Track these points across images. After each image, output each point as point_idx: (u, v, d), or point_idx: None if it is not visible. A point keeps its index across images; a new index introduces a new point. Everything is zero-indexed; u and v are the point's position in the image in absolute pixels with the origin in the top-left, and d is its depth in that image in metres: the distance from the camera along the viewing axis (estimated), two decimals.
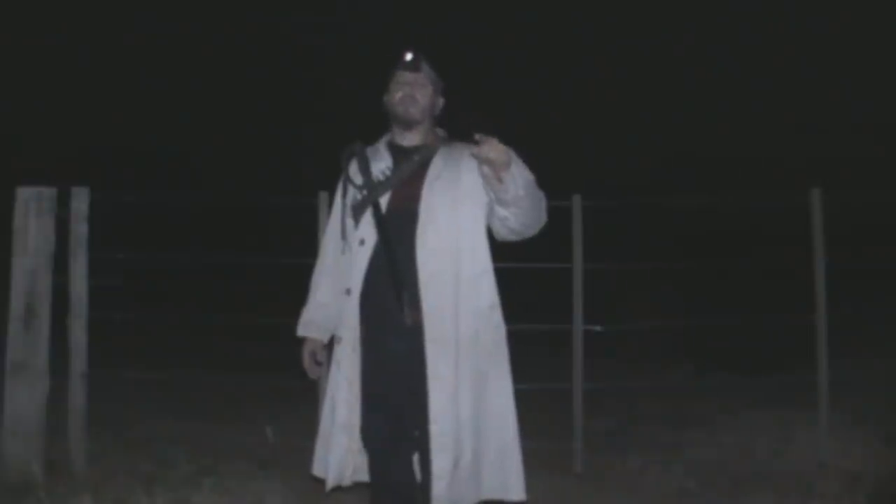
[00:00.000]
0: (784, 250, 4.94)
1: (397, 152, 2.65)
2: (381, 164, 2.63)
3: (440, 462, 2.47)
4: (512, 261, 2.96)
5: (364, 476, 2.61)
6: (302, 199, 3.97)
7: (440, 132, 2.72)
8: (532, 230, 2.58)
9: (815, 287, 4.04)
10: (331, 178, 2.84)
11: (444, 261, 2.52)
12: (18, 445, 3.52)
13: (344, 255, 2.65)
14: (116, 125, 15.13)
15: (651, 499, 3.66)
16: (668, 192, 11.60)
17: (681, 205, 10.15)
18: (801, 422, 4.27)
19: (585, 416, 4.01)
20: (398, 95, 2.62)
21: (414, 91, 2.61)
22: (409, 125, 2.63)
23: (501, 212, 2.50)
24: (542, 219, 2.59)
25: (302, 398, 4.11)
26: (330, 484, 2.59)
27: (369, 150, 2.69)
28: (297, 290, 2.98)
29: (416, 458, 2.57)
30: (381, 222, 2.55)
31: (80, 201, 3.75)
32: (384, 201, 2.58)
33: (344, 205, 2.66)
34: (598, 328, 4.10)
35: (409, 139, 2.65)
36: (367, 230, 2.57)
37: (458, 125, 2.73)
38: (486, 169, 2.42)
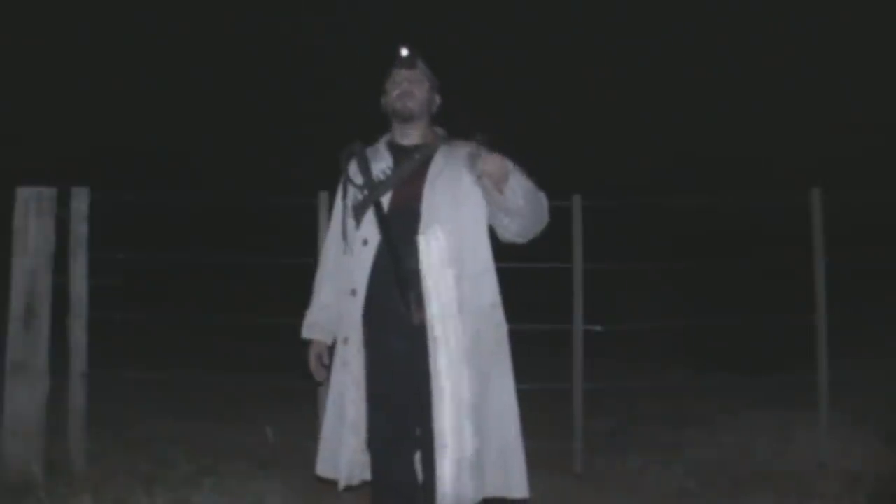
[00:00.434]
0: (784, 250, 4.94)
1: (397, 151, 2.65)
2: (382, 163, 2.63)
3: (443, 460, 2.47)
4: (512, 260, 2.96)
5: (369, 475, 2.62)
6: (302, 199, 3.97)
7: (439, 131, 2.72)
8: (534, 232, 2.61)
9: (815, 287, 4.04)
10: (331, 178, 2.83)
11: (447, 260, 2.52)
12: (18, 445, 3.51)
13: (346, 256, 2.65)
14: (116, 125, 15.14)
15: (651, 499, 3.66)
16: (668, 192, 11.61)
17: (681, 205, 10.15)
18: (801, 422, 4.27)
19: (585, 416, 4.01)
20: (396, 92, 2.63)
21: (411, 87, 2.62)
22: (408, 119, 2.63)
23: (503, 219, 2.53)
24: (545, 220, 2.61)
25: (302, 398, 4.10)
26: (343, 484, 2.59)
27: (369, 151, 2.68)
28: (297, 290, 2.98)
29: (417, 457, 2.58)
30: (383, 221, 2.55)
31: (80, 201, 3.74)
32: (386, 200, 2.58)
33: (344, 205, 2.66)
34: (598, 328, 4.10)
35: (409, 138, 2.66)
36: (369, 230, 2.57)
37: (457, 125, 2.73)
38: (485, 181, 2.43)
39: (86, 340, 3.77)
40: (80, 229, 3.74)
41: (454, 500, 2.47)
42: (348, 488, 2.62)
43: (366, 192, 2.59)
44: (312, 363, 2.71)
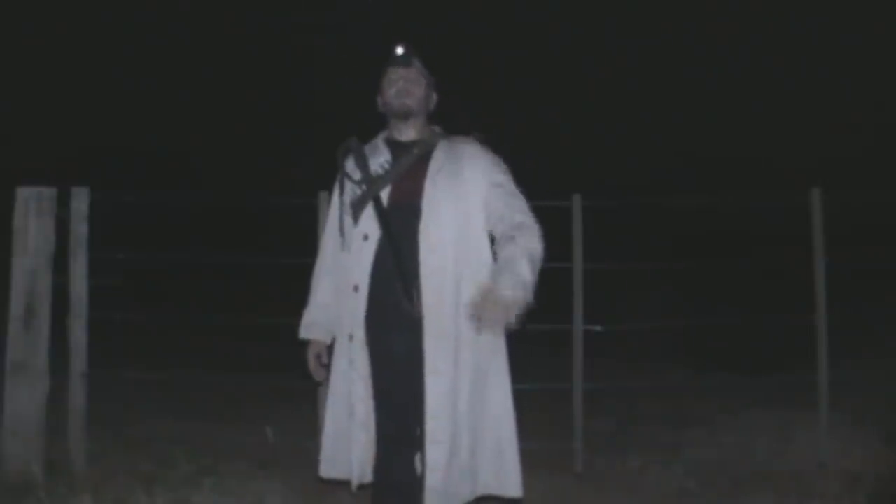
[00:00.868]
0: (784, 250, 4.94)
1: (395, 146, 2.64)
2: (380, 158, 2.62)
3: (434, 455, 2.46)
4: None
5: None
6: (302, 199, 3.97)
7: (437, 129, 2.72)
8: None
9: (815, 287, 4.04)
10: (330, 178, 2.83)
11: (447, 256, 2.52)
12: (18, 445, 3.51)
13: (343, 253, 2.63)
14: (116, 125, 15.14)
15: (651, 499, 3.66)
16: (668, 192, 11.60)
17: (681, 205, 10.16)
18: (801, 422, 4.27)
19: (585, 416, 4.01)
20: (392, 90, 2.62)
21: (408, 85, 2.61)
22: (405, 116, 2.63)
23: None
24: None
25: (302, 398, 4.10)
26: (356, 483, 2.57)
27: (366, 147, 2.67)
28: (297, 290, 2.97)
29: (418, 457, 2.55)
30: (383, 216, 2.54)
31: (80, 201, 3.74)
32: (385, 196, 2.57)
33: (342, 202, 2.64)
34: (598, 328, 4.10)
35: (407, 134, 2.65)
36: (369, 225, 2.55)
37: (455, 124, 2.73)
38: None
39: (86, 340, 3.76)
40: (80, 229, 3.74)
41: (443, 497, 2.46)
42: (360, 487, 2.60)
43: (364, 187, 2.57)
44: (311, 363, 2.69)
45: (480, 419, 2.54)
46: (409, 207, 2.53)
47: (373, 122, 2.76)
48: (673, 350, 6.39)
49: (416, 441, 2.52)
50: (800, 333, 4.21)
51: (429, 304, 2.49)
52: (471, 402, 2.52)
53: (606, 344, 4.40)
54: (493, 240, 2.60)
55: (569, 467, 3.93)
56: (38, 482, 3.41)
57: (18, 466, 3.48)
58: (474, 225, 2.57)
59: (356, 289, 2.54)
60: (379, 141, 2.70)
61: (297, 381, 3.18)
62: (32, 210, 3.56)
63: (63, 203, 3.68)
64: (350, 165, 2.65)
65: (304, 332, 2.72)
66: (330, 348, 2.69)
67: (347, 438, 2.57)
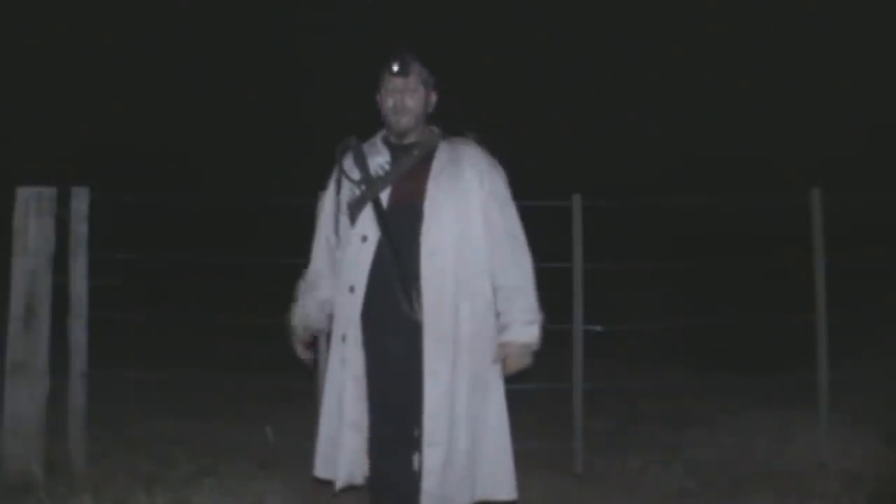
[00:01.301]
0: (784, 250, 4.94)
1: (395, 147, 2.63)
2: (379, 158, 2.61)
3: (431, 457, 2.46)
4: None
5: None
6: (302, 199, 3.96)
7: (436, 130, 2.70)
8: None
9: (815, 287, 4.04)
10: (330, 178, 2.82)
11: (447, 258, 2.51)
12: (18, 445, 3.51)
13: (338, 252, 2.63)
14: (116, 125, 15.14)
15: (651, 499, 3.66)
16: (668, 192, 11.60)
17: (681, 205, 10.15)
18: (801, 422, 4.27)
19: (585, 416, 4.01)
20: (389, 103, 2.59)
21: (404, 97, 2.58)
22: (401, 136, 2.62)
23: None
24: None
25: (302, 398, 4.10)
26: (339, 485, 2.57)
27: (365, 146, 2.66)
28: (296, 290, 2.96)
29: (415, 458, 2.55)
30: (382, 218, 2.53)
31: (80, 201, 3.74)
32: (384, 197, 2.56)
33: (338, 201, 2.63)
34: (598, 328, 4.10)
35: (406, 137, 2.64)
36: (368, 226, 2.54)
37: (454, 124, 2.72)
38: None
39: (86, 340, 3.77)
40: (80, 229, 3.74)
41: (441, 499, 2.46)
42: (350, 488, 2.60)
43: (363, 187, 2.56)
44: (299, 350, 2.76)
45: (479, 422, 2.54)
46: (409, 209, 2.53)
47: (372, 121, 2.75)
48: (673, 350, 6.39)
49: (413, 442, 2.51)
50: (800, 333, 4.21)
51: (429, 306, 2.48)
52: (469, 406, 2.51)
53: (606, 344, 4.40)
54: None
55: (569, 467, 3.93)
56: (38, 482, 3.42)
57: (18, 466, 3.48)
58: (473, 227, 2.56)
59: (352, 289, 2.54)
60: (378, 140, 2.68)
61: (297, 381, 3.19)
62: (32, 210, 3.56)
63: (63, 203, 3.68)
64: (348, 164, 2.63)
65: (300, 333, 2.78)
66: (327, 341, 2.72)
67: (337, 439, 2.58)
